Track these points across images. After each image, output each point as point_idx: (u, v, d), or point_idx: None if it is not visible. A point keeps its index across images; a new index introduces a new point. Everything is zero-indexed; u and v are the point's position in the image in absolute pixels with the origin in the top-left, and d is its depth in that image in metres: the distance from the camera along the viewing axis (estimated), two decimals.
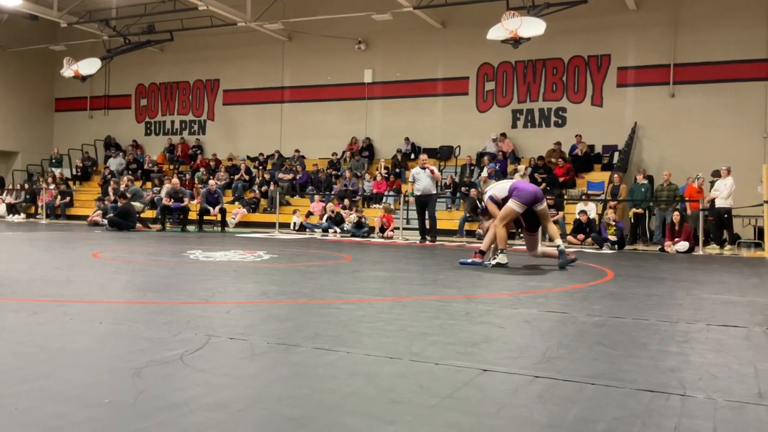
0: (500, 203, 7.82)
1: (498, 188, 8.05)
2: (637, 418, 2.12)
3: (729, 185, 13.68)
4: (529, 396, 2.35)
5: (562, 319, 4.10)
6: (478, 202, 8.66)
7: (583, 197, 15.96)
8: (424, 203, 13.33)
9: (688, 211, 13.89)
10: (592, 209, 14.87)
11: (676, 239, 12.54)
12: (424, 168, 13.34)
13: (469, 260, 7.85)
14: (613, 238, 13.05)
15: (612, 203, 14.42)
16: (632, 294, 5.43)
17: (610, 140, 17.77)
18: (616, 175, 15.51)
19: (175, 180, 17.26)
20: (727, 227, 13.97)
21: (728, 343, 3.41)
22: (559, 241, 7.81)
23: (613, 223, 13.29)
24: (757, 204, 13.30)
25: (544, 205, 7.85)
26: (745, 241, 14.88)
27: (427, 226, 13.54)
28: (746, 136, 16.50)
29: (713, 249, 13.31)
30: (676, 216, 12.92)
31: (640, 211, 15.22)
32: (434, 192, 13.53)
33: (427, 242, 13.15)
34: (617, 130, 17.59)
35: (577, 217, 14.09)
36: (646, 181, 15.33)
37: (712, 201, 14.03)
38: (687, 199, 14.18)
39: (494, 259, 7.71)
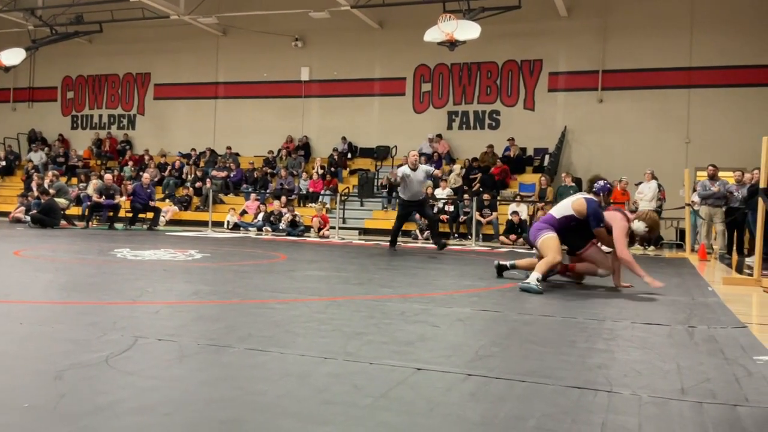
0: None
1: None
2: (567, 415, 2.16)
3: (653, 188, 14.20)
4: (461, 394, 2.37)
5: (494, 318, 4.16)
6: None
7: (517, 198, 16.29)
8: (415, 209, 10.76)
9: None
10: (523, 210, 15.20)
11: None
12: (414, 169, 10.09)
13: None
14: None
15: (540, 204, 14.78)
16: (561, 293, 5.56)
17: (541, 143, 18.21)
18: (543, 178, 15.92)
19: (108, 176, 16.70)
20: None
21: (652, 340, 3.53)
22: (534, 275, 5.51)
23: None
24: (679, 207, 13.87)
25: (538, 242, 6.07)
26: (668, 242, 15.49)
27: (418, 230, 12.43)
28: (669, 141, 17.19)
29: (637, 249, 13.78)
30: None
31: None
32: (423, 197, 10.76)
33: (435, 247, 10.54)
34: (548, 133, 18.03)
35: (510, 218, 14.36)
36: (573, 184, 15.77)
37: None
38: (611, 201, 14.64)
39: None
